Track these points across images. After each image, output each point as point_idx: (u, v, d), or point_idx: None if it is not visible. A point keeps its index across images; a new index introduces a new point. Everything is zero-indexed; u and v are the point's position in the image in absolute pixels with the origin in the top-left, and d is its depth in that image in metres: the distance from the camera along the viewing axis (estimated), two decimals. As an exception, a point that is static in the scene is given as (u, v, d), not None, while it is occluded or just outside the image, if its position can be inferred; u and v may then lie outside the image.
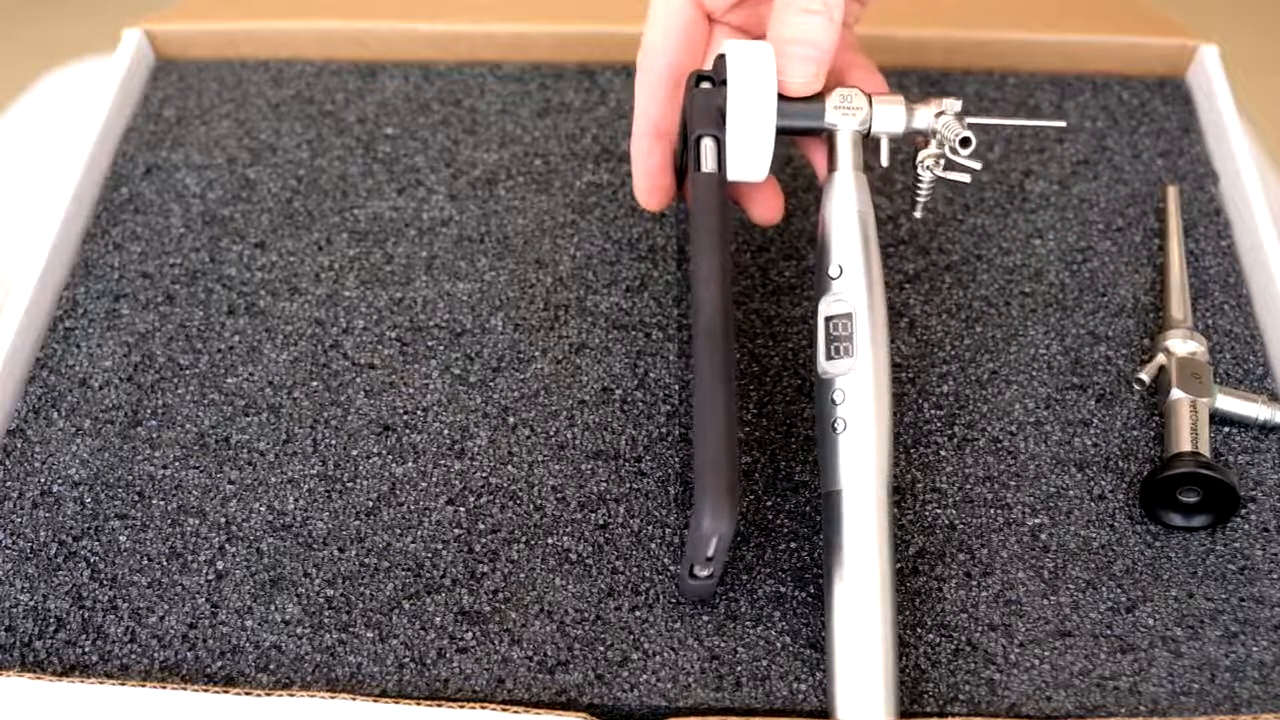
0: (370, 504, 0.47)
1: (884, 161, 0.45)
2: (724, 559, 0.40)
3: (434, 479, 0.47)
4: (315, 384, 0.50)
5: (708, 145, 0.43)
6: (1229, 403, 0.47)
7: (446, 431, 0.49)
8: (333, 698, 0.41)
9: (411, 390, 0.50)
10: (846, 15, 0.47)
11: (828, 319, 0.42)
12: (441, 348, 0.51)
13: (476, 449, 0.48)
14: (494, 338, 0.51)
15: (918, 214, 0.47)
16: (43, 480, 0.48)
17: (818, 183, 0.47)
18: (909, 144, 0.46)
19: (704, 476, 0.37)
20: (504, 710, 0.41)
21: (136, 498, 0.47)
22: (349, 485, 0.47)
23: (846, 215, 0.43)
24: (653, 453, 0.48)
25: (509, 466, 0.48)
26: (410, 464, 0.48)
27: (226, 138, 0.59)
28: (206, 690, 0.41)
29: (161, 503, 0.47)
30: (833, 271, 0.43)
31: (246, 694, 0.41)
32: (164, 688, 0.42)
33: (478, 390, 0.50)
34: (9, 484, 0.48)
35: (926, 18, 0.61)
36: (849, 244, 0.43)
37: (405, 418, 0.49)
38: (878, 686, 0.40)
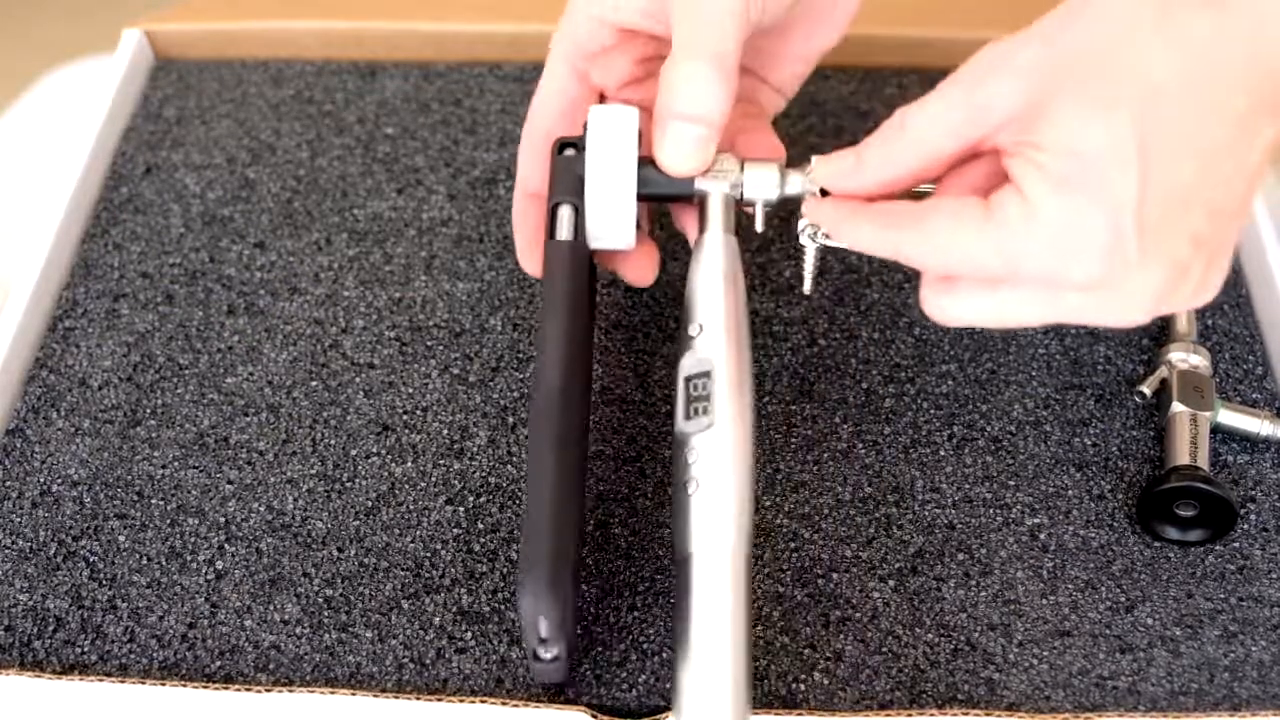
0: (369, 504, 0.47)
1: (759, 227, 0.43)
2: (570, 638, 0.39)
3: (433, 479, 0.47)
4: (315, 384, 0.50)
5: (563, 213, 0.42)
6: (1231, 417, 0.47)
7: (446, 431, 0.49)
8: (332, 693, 0.41)
9: (411, 390, 0.50)
10: (767, 105, 0.46)
11: (687, 379, 0.40)
12: (441, 347, 0.51)
13: (476, 449, 0.48)
14: (493, 337, 0.51)
15: (807, 289, 0.43)
16: (42, 480, 0.48)
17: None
18: (792, 209, 0.42)
19: (523, 552, 0.35)
20: (503, 704, 0.41)
21: (136, 497, 0.47)
22: (348, 485, 0.47)
23: (711, 277, 0.41)
24: (652, 453, 0.48)
25: (508, 466, 0.48)
26: (409, 464, 0.48)
27: (226, 138, 0.59)
28: (206, 687, 0.42)
29: (161, 503, 0.47)
30: (693, 330, 0.41)
31: (246, 690, 0.41)
32: (163, 685, 0.42)
33: (477, 390, 0.50)
34: (9, 484, 0.48)
35: (927, 18, 0.61)
36: (711, 303, 0.41)
37: (404, 417, 0.49)
38: None
